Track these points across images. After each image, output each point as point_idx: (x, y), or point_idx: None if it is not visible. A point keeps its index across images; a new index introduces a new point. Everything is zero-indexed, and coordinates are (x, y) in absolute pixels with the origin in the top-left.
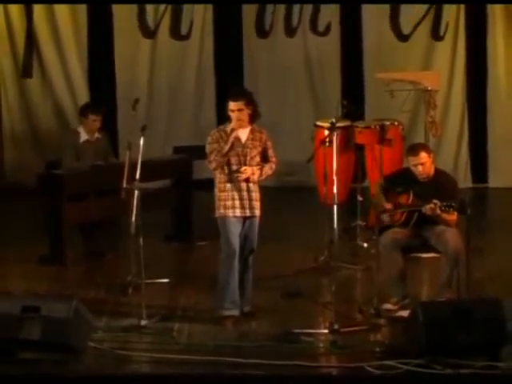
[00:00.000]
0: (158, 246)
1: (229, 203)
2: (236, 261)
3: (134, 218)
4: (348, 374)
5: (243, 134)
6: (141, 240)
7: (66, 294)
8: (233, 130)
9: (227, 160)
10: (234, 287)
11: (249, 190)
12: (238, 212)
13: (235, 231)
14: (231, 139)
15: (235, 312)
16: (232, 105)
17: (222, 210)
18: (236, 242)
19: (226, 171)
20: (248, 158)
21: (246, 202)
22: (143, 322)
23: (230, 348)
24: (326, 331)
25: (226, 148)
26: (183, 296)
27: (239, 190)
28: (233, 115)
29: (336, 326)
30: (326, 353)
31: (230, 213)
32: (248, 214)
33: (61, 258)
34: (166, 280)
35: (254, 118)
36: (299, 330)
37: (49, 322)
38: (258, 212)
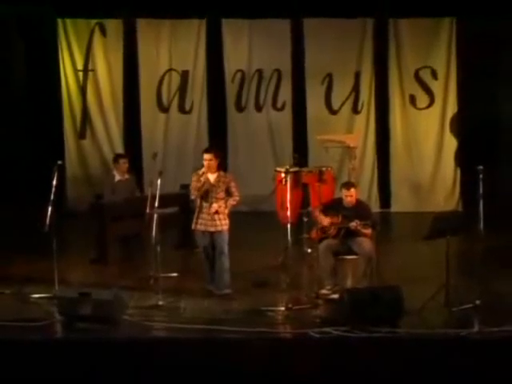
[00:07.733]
0: (170, 252)
1: (200, 221)
2: (207, 255)
3: (154, 233)
4: (297, 337)
5: (212, 177)
6: (158, 248)
7: (109, 283)
8: (203, 173)
9: (201, 195)
10: (208, 271)
11: (216, 213)
12: (203, 227)
13: (204, 238)
14: (203, 179)
15: (212, 287)
16: (205, 156)
17: (195, 225)
18: (205, 244)
19: (199, 203)
20: (214, 194)
21: (213, 222)
22: (160, 302)
23: (218, 320)
24: (282, 308)
25: (199, 185)
26: (187, 285)
27: (208, 217)
28: (205, 163)
29: (289, 305)
30: (283, 323)
31: (199, 227)
32: (213, 229)
33: (105, 260)
34: (175, 274)
35: (219, 166)
36: (264, 308)
37: (97, 303)
38: (222, 227)
